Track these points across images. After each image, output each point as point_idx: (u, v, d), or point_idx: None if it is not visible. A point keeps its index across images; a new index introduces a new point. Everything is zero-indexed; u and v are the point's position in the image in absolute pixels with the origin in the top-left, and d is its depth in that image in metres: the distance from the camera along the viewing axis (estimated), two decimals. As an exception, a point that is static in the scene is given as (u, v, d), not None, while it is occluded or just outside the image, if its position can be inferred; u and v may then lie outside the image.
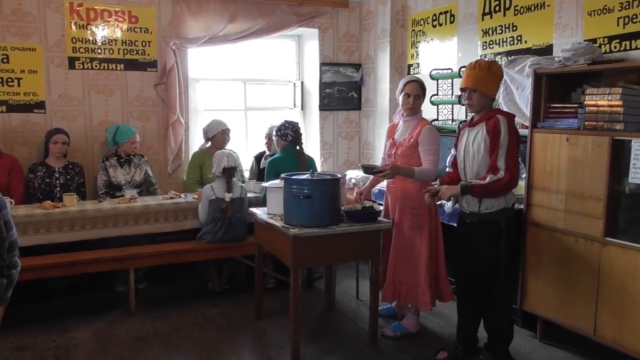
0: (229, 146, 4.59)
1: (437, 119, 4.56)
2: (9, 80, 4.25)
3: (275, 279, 4.25)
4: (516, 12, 3.91)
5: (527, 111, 3.35)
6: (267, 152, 4.58)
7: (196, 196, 4.14)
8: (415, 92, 3.27)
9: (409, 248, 3.31)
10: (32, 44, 4.30)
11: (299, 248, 2.98)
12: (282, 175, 3.20)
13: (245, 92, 5.35)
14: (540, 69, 3.21)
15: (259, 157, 4.76)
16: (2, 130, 4.22)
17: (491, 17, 4.14)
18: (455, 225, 3.10)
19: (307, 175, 3.10)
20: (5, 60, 4.22)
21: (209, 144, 4.60)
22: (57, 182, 4.17)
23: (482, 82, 2.78)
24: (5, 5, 4.20)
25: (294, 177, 3.10)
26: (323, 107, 5.43)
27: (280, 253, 3.23)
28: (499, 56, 4.06)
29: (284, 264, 3.29)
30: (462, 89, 2.87)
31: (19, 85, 4.29)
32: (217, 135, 4.53)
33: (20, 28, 4.26)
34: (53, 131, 4.22)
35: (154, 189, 4.51)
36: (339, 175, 3.23)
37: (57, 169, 4.19)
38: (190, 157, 4.74)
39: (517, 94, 3.50)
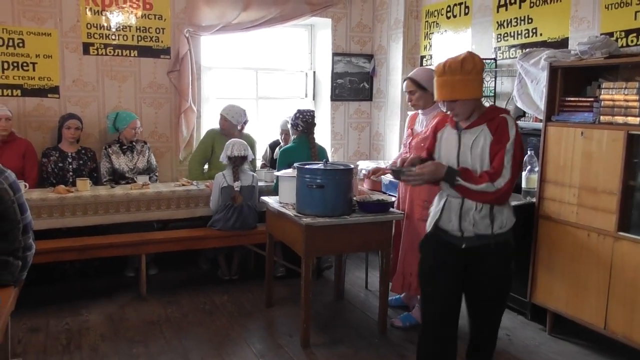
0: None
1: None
2: (24, 64, 4.27)
3: (284, 267, 4.27)
4: (532, 5, 3.88)
5: (542, 104, 3.33)
6: (282, 143, 4.59)
7: (208, 184, 4.17)
8: (408, 88, 3.29)
9: (418, 240, 3.31)
10: (47, 29, 4.32)
11: (311, 237, 3.00)
12: (295, 164, 3.21)
13: (257, 81, 5.35)
14: (556, 62, 3.19)
15: (273, 146, 4.77)
16: (16, 114, 4.24)
17: (506, 9, 4.11)
18: (432, 251, 2.43)
19: (320, 165, 3.11)
20: (20, 45, 4.24)
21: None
22: (70, 167, 4.20)
23: (459, 88, 2.21)
24: (21, -10, 4.22)
25: (307, 166, 3.11)
26: (334, 97, 5.42)
27: (292, 242, 3.25)
28: (514, 49, 4.03)
29: (294, 253, 3.31)
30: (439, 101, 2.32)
31: (34, 70, 4.31)
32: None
33: (36, 13, 4.27)
34: (66, 116, 4.25)
35: (154, 175, 4.50)
36: (352, 166, 3.24)
37: (70, 154, 4.22)
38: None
39: (531, 87, 3.48)
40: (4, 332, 2.43)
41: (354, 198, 3.22)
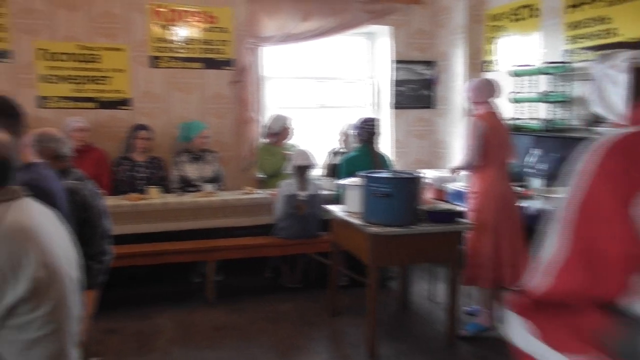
0: (302, 143, 4.68)
1: (515, 118, 4.40)
2: (100, 78, 4.51)
3: (348, 277, 4.24)
4: (610, 4, 3.70)
5: (623, 109, 3.16)
6: (342, 149, 4.60)
7: (272, 192, 4.22)
8: None
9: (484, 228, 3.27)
10: (119, 44, 4.54)
11: (378, 247, 2.97)
12: (362, 173, 3.19)
13: (318, 90, 5.38)
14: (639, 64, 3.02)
15: (334, 154, 4.79)
16: (93, 125, 4.45)
17: (578, 10, 3.93)
18: None
19: (387, 174, 3.08)
20: (97, 60, 4.49)
21: (272, 139, 4.70)
22: (141, 175, 4.36)
23: None
24: (95, 9, 4.46)
25: (374, 175, 3.09)
26: (395, 105, 5.37)
27: (358, 251, 3.22)
28: (587, 51, 3.85)
29: (357, 262, 3.29)
30: None
31: (108, 84, 4.54)
32: (282, 130, 4.61)
33: (109, 30, 4.50)
34: (137, 127, 4.44)
35: (220, 184, 4.59)
36: (419, 174, 3.19)
37: (140, 163, 4.40)
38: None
39: (610, 90, 3.32)
40: (87, 333, 2.54)
41: (422, 207, 3.16)
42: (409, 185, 3.03)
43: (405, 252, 3.07)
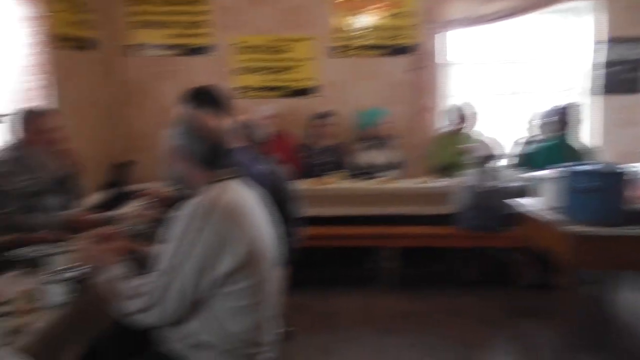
0: (488, 132, 4.42)
1: None
2: (287, 68, 4.85)
3: (535, 276, 3.92)
4: None
5: None
6: (533, 138, 4.24)
7: (452, 182, 4.07)
8: None
9: None
10: (306, 35, 4.80)
11: (581, 247, 2.67)
12: (564, 165, 2.88)
13: (508, 76, 5.01)
14: None
15: (523, 142, 4.44)
16: (282, 112, 4.74)
17: None
18: None
19: (595, 166, 2.75)
20: (286, 51, 4.82)
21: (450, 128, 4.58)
22: (321, 161, 4.56)
23: None
24: (284, 3, 4.76)
25: (580, 167, 2.78)
26: (600, 90, 4.73)
27: (552, 250, 2.95)
28: None
29: (545, 260, 3.01)
30: None
31: (294, 73, 4.85)
32: (461, 119, 4.47)
33: (296, 22, 4.78)
34: (320, 114, 4.65)
35: (400, 171, 4.58)
36: (630, 168, 2.79)
37: (323, 149, 4.60)
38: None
39: None
40: (285, 305, 2.74)
41: (633, 206, 2.75)
42: (620, 180, 2.66)
43: (612, 255, 2.70)
